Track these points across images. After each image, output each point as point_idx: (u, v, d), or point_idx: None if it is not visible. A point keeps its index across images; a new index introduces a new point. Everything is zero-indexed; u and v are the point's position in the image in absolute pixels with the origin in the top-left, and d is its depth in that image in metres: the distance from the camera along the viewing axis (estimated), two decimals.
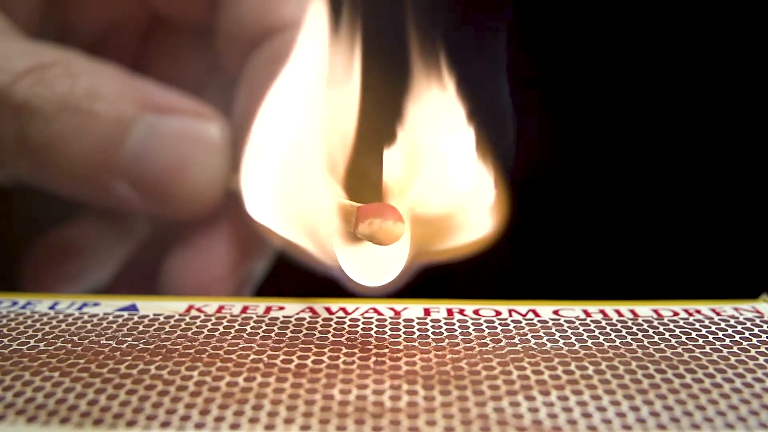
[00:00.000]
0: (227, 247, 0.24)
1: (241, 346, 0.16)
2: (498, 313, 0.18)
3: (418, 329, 0.17)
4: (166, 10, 0.27)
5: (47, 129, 0.21)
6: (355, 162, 0.18)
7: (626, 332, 0.17)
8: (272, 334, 0.17)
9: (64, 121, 0.21)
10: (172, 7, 0.27)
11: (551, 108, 0.39)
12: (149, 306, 0.18)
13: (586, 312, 0.18)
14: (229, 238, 0.24)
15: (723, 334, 0.17)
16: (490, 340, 0.16)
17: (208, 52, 0.26)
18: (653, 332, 0.17)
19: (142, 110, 0.22)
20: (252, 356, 0.16)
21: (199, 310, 0.18)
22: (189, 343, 0.16)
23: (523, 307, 0.18)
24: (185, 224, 0.24)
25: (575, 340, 0.16)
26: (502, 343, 0.16)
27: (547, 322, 0.17)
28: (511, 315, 0.18)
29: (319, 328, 0.17)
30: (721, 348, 0.16)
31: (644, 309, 0.18)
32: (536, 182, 0.38)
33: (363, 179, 0.18)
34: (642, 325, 0.17)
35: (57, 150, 0.21)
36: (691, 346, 0.16)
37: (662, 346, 0.16)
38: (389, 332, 0.17)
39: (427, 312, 0.18)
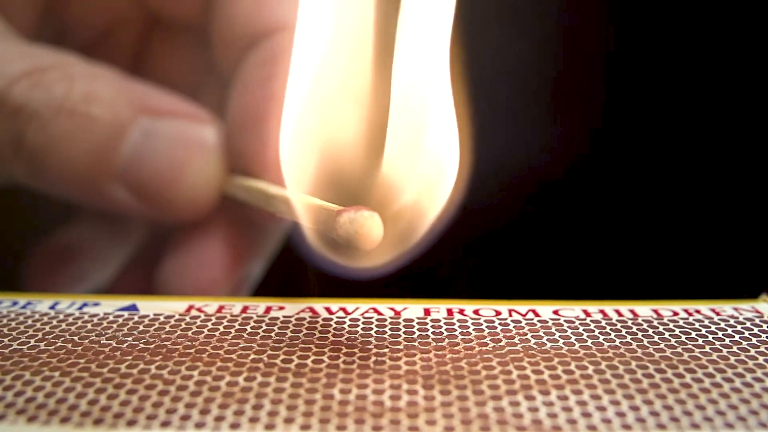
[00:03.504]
0: (223, 250, 0.24)
1: (241, 345, 0.16)
2: (498, 313, 0.18)
3: (418, 329, 0.17)
4: (162, 11, 0.27)
5: (44, 132, 0.21)
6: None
7: (626, 332, 0.17)
8: (272, 334, 0.17)
9: (61, 125, 0.21)
10: (167, 8, 0.27)
11: (550, 110, 0.39)
12: (149, 306, 0.18)
13: (586, 312, 0.18)
14: (225, 241, 0.24)
15: (723, 334, 0.17)
16: (490, 340, 0.16)
17: (205, 54, 0.26)
18: (653, 332, 0.17)
19: (138, 113, 0.22)
20: (252, 356, 0.16)
21: (199, 310, 0.18)
22: (189, 343, 0.16)
23: (523, 307, 0.18)
24: (181, 227, 0.24)
25: (575, 340, 0.16)
26: (502, 343, 0.16)
27: (547, 322, 0.17)
28: (511, 315, 0.18)
29: (319, 328, 0.17)
30: (720, 348, 0.16)
31: (644, 309, 0.18)
32: (536, 183, 0.38)
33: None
34: (642, 325, 0.17)
35: (54, 153, 0.21)
36: (691, 346, 0.16)
37: (662, 346, 0.16)
38: (389, 332, 0.17)
39: (427, 312, 0.18)
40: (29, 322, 0.17)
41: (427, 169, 0.16)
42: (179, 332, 0.17)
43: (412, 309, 0.18)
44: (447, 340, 0.16)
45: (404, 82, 0.16)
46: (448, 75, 0.16)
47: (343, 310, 0.18)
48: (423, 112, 0.16)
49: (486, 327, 0.17)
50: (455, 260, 0.35)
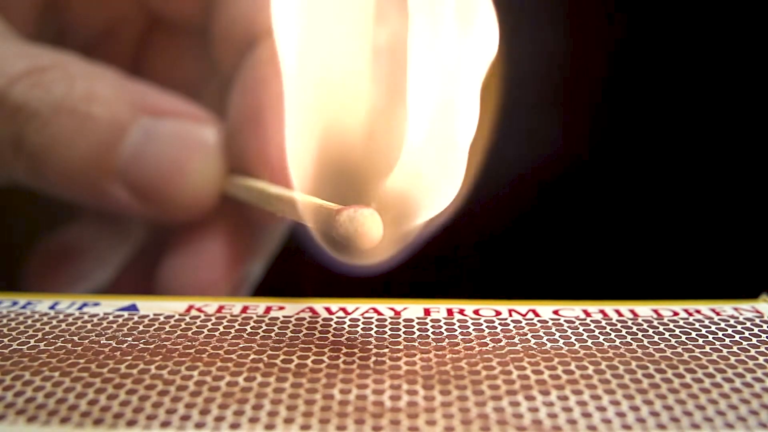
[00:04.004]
0: (223, 249, 0.24)
1: (241, 346, 0.16)
2: (498, 313, 0.18)
3: (418, 329, 0.17)
4: (163, 11, 0.27)
5: (44, 132, 0.21)
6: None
7: (626, 332, 0.17)
8: (272, 334, 0.17)
9: (61, 124, 0.21)
10: (168, 8, 0.27)
11: (552, 110, 0.39)
12: (149, 306, 0.18)
13: (586, 312, 0.18)
14: (225, 240, 0.24)
15: (723, 334, 0.17)
16: (490, 340, 0.16)
17: (205, 54, 0.26)
18: (653, 332, 0.17)
19: (138, 113, 0.22)
20: (252, 356, 0.16)
21: (199, 310, 0.18)
22: (189, 343, 0.16)
23: (523, 307, 0.18)
24: (181, 227, 0.24)
25: (575, 340, 0.16)
26: (502, 343, 0.16)
27: (547, 322, 0.17)
28: (511, 315, 0.18)
29: (319, 328, 0.17)
30: (721, 348, 0.16)
31: (644, 309, 0.18)
32: (536, 183, 0.38)
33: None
34: (642, 325, 0.17)
35: (54, 153, 0.21)
36: (691, 346, 0.16)
37: (662, 346, 0.16)
38: (389, 332, 0.17)
39: (427, 312, 0.18)
40: (29, 322, 0.17)
41: (433, 166, 0.16)
42: (179, 332, 0.17)
43: (412, 309, 0.18)
44: (447, 340, 0.16)
45: (421, 81, 0.16)
46: (476, 76, 0.16)
47: (343, 310, 0.18)
48: (441, 110, 0.16)
49: (486, 327, 0.17)
50: (456, 260, 0.35)
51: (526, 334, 0.17)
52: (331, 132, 0.18)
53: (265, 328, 0.17)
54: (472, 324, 0.17)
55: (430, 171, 0.16)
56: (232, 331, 0.17)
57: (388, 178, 0.16)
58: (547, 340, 0.16)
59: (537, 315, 0.18)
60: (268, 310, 0.18)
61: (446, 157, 0.16)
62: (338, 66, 0.18)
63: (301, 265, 0.18)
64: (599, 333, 0.17)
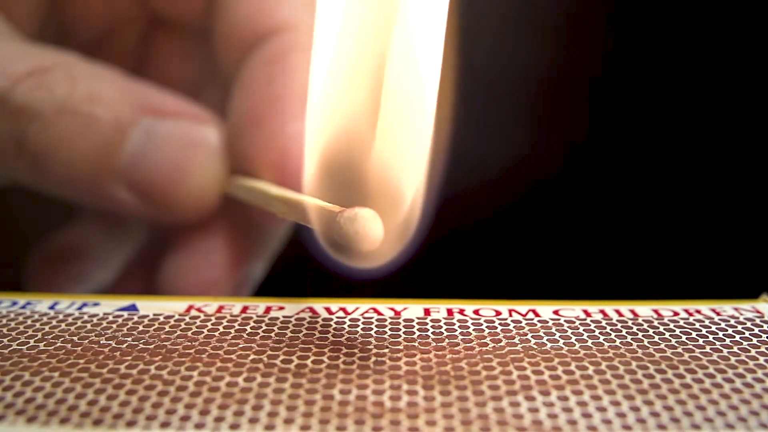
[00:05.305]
0: (225, 250, 0.24)
1: (241, 346, 0.16)
2: (498, 313, 0.18)
3: (418, 329, 0.17)
4: (164, 11, 0.27)
5: (46, 132, 0.21)
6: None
7: (626, 332, 0.17)
8: (272, 334, 0.17)
9: (63, 125, 0.21)
10: (170, 8, 0.27)
11: (552, 110, 0.39)
12: (149, 306, 0.18)
13: (586, 312, 0.18)
14: (227, 241, 0.24)
15: (723, 334, 0.17)
16: (490, 340, 0.16)
17: (207, 54, 0.26)
18: (653, 332, 0.17)
19: (140, 114, 0.22)
20: (252, 356, 0.16)
21: (199, 310, 0.18)
22: (189, 343, 0.16)
23: (523, 307, 0.18)
24: (183, 228, 0.24)
25: (575, 340, 0.16)
26: (502, 343, 0.16)
27: (547, 322, 0.17)
28: (511, 315, 0.18)
29: (319, 328, 0.17)
30: (721, 348, 0.16)
31: (644, 309, 0.18)
32: (537, 183, 0.38)
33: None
34: (642, 325, 0.17)
35: (56, 153, 0.21)
36: (691, 346, 0.16)
37: (662, 346, 0.16)
38: (389, 332, 0.17)
39: (427, 312, 0.18)
40: (29, 322, 0.17)
41: (415, 163, 0.16)
42: (179, 332, 0.17)
43: (412, 309, 0.18)
44: (447, 340, 0.16)
45: (398, 76, 0.16)
46: (438, 72, 0.16)
47: (343, 310, 0.18)
48: (413, 107, 0.16)
49: (486, 327, 0.17)
50: (456, 260, 0.35)
51: (526, 334, 0.17)
52: (338, 133, 0.18)
53: (264, 328, 0.17)
54: (472, 324, 0.17)
55: (403, 160, 0.16)
56: (232, 331, 0.17)
57: (373, 176, 0.16)
58: (547, 340, 0.16)
59: (537, 315, 0.18)
60: (267, 310, 0.18)
61: (413, 143, 0.16)
62: (360, 69, 0.18)
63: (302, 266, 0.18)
64: (599, 333, 0.17)
